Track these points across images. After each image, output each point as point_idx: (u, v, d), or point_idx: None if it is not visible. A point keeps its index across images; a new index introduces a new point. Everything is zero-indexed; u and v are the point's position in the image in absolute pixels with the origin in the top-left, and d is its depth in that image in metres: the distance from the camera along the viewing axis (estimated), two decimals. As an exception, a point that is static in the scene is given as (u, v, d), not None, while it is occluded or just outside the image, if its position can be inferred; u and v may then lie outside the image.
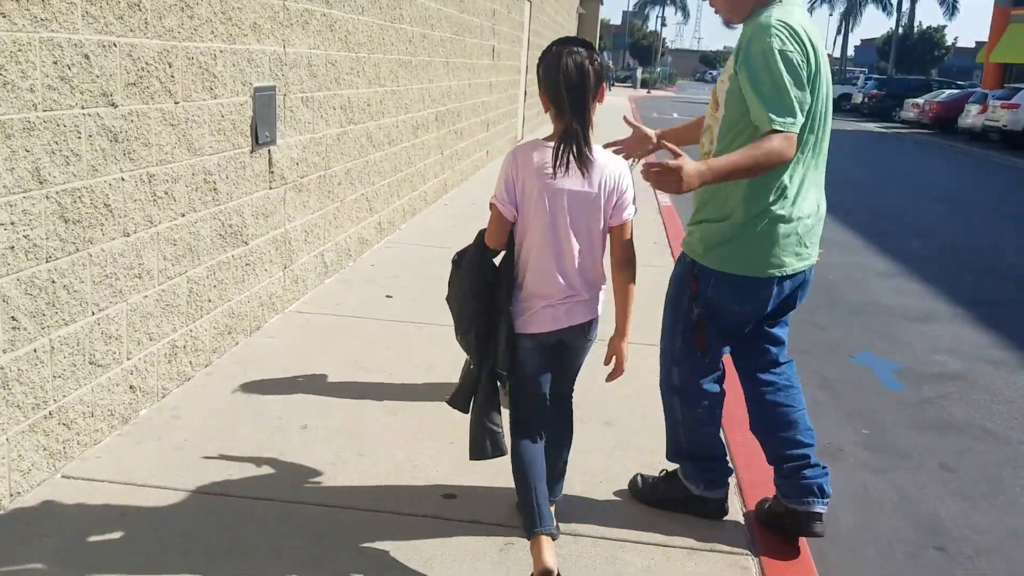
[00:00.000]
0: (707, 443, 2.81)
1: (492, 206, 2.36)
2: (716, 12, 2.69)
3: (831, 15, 54.10)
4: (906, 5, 46.29)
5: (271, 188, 4.31)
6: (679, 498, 2.85)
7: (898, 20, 46.20)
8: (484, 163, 11.45)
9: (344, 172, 5.45)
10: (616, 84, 61.08)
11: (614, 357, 2.48)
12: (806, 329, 5.56)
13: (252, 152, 4.05)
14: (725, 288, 2.58)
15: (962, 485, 3.58)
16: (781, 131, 2.34)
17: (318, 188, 5.00)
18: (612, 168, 2.37)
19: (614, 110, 28.90)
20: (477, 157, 10.83)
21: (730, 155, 2.37)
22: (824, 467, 2.72)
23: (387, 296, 5.13)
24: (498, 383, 2.51)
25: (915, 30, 48.20)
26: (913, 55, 47.47)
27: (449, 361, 4.04)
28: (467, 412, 2.52)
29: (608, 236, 2.42)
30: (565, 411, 2.63)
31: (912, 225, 10.06)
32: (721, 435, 2.86)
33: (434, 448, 3.22)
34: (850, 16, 53.18)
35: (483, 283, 2.40)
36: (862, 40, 55.16)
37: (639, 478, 2.98)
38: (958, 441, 4.01)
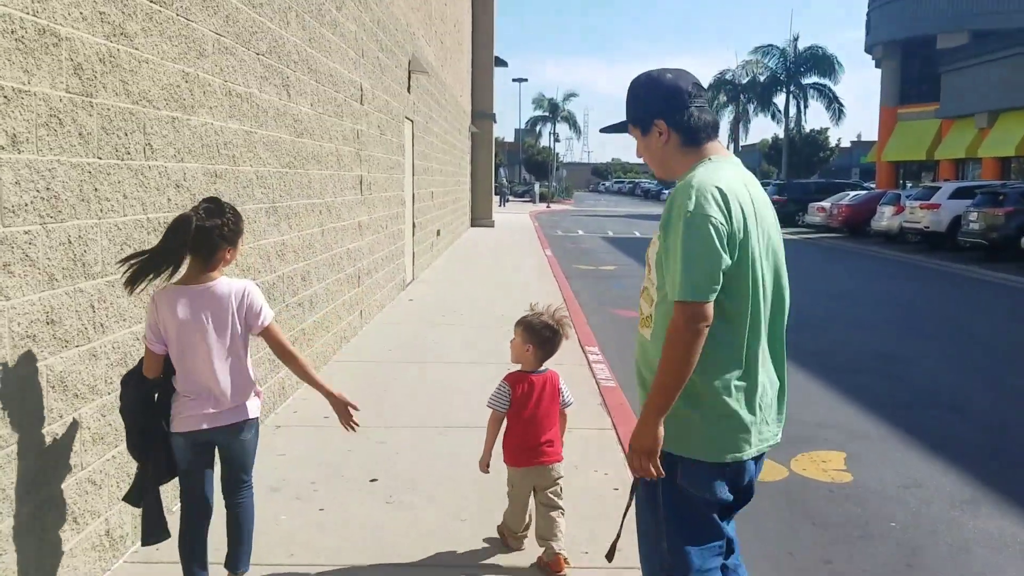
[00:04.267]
0: None
1: (146, 347, 2.91)
2: (651, 170, 2.64)
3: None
4: (793, 110, 47.04)
5: None
6: None
7: (787, 126, 46.76)
8: (356, 329, 8.58)
9: None
10: (513, 199, 59.98)
11: (333, 407, 3.17)
12: None
13: None
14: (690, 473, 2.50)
15: None
16: (685, 301, 2.21)
17: None
18: (235, 290, 2.93)
19: (516, 228, 26.84)
20: (344, 325, 7.96)
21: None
22: None
23: None
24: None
25: (800, 133, 48.98)
26: (796, 158, 48.03)
27: None
28: (140, 505, 3.01)
29: (265, 340, 3.04)
30: (240, 499, 3.08)
31: (929, 386, 7.44)
32: None
33: None
34: (739, 125, 53.91)
35: (145, 401, 2.94)
36: (742, 146, 55.78)
37: None
38: None
